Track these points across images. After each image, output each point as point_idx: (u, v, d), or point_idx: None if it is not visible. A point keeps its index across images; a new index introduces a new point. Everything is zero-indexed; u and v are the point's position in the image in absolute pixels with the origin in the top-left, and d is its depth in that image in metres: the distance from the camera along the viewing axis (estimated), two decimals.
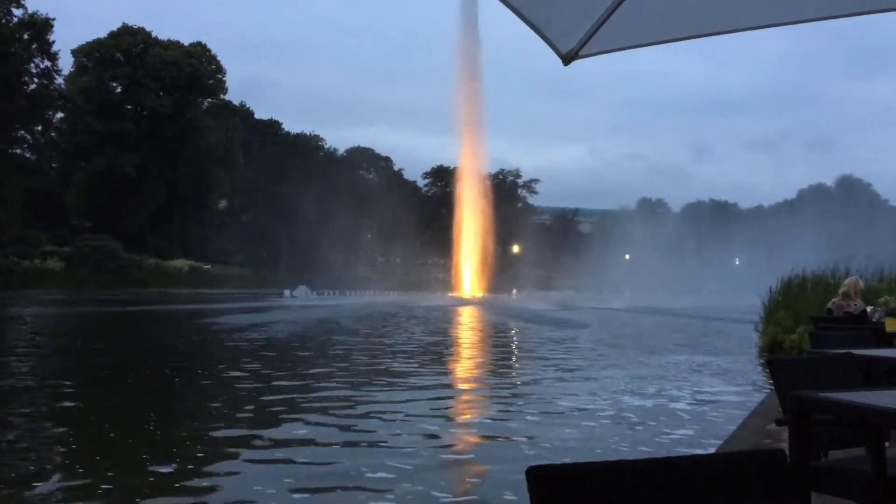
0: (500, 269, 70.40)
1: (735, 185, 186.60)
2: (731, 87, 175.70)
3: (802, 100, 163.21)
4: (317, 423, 7.89)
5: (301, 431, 7.53)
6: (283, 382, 11.01)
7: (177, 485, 5.63)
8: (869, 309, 8.21)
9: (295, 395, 9.76)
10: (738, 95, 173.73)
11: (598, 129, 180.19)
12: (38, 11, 57.90)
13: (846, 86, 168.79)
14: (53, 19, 58.70)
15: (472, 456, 6.82)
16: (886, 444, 2.99)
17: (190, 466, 6.14)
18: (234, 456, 6.55)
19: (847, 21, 2.41)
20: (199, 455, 6.60)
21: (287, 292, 51.28)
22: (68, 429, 7.79)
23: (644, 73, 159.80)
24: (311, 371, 12.47)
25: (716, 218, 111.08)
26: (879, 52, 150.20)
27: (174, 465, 6.11)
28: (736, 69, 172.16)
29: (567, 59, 2.53)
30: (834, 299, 8.74)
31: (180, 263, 69.44)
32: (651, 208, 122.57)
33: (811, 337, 5.81)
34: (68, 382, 11.66)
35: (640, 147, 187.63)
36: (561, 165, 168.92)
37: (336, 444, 6.98)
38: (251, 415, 8.51)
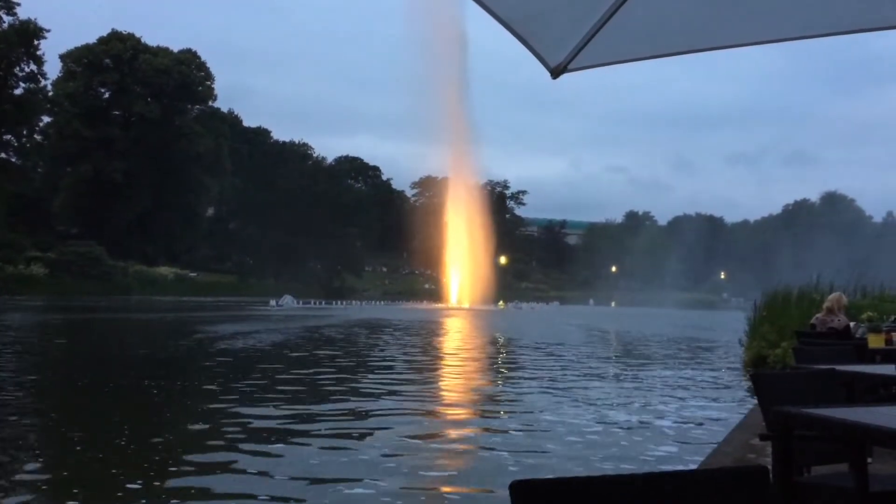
0: (488, 280, 70.33)
1: (719, 199, 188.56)
2: (714, 102, 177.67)
3: (785, 115, 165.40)
4: (295, 439, 7.74)
5: (278, 446, 7.39)
6: (263, 395, 10.79)
7: (144, 502, 5.50)
8: (852, 325, 8.26)
9: (273, 409, 9.58)
10: (721, 110, 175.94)
11: (581, 142, 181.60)
12: (31, 18, 57.80)
13: (828, 102, 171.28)
14: (48, 30, 58.62)
15: (454, 472, 6.72)
16: (869, 459, 3.00)
17: (157, 483, 5.97)
18: (209, 472, 6.39)
19: (829, 38, 2.44)
20: (170, 471, 6.42)
21: (272, 301, 51.03)
22: (35, 442, 7.59)
23: (627, 85, 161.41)
24: (291, 385, 12.22)
25: (702, 232, 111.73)
26: (861, 69, 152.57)
27: (142, 482, 5.93)
28: (719, 84, 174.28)
29: (556, 72, 2.54)
30: (818, 314, 8.79)
31: (165, 271, 69.04)
32: (638, 221, 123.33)
33: (795, 351, 5.84)
34: (40, 393, 11.43)
35: (623, 160, 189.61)
36: (544, 177, 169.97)
37: (314, 459, 6.85)
38: (228, 429, 8.31)
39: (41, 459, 6.96)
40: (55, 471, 6.52)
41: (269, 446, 7.45)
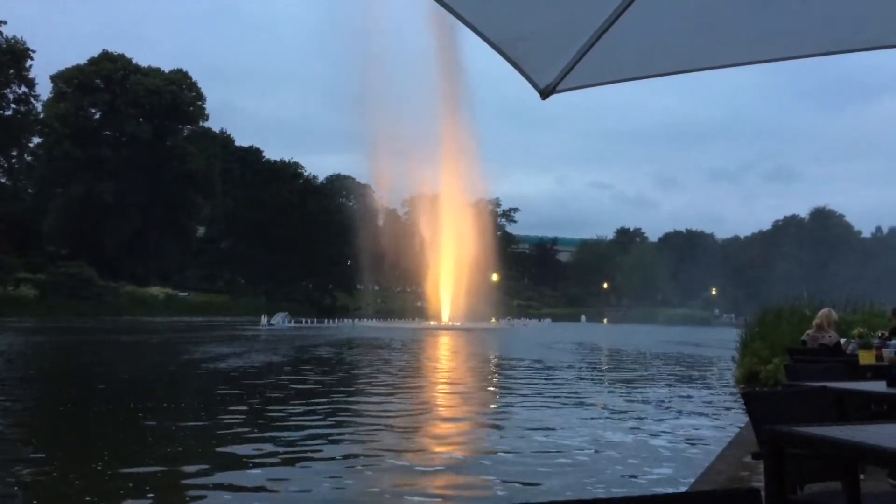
0: (480, 298, 70.29)
1: (708, 215, 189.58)
2: (700, 119, 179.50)
3: (770, 132, 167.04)
4: (278, 465, 7.58)
5: (257, 472, 7.23)
6: (251, 423, 10.52)
7: None
8: (843, 341, 8.27)
9: (260, 434, 9.41)
10: (706, 127, 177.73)
11: (571, 159, 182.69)
12: (16, 36, 57.79)
13: (813, 118, 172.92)
14: (34, 51, 58.59)
15: (438, 499, 6.57)
16: (861, 476, 3.00)
17: None
18: (187, 502, 6.28)
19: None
20: (148, 497, 6.29)
21: (264, 320, 50.80)
22: (12, 466, 7.43)
23: (615, 103, 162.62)
24: (278, 408, 11.96)
25: (693, 248, 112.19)
26: (845, 85, 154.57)
27: None
28: (704, 101, 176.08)
29: (545, 93, 2.56)
30: (808, 331, 8.81)
31: (157, 291, 68.61)
32: (629, 238, 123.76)
33: (786, 369, 5.85)
34: (23, 417, 11.27)
35: (614, 177, 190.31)
36: (535, 195, 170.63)
37: (301, 485, 6.72)
38: (211, 455, 8.15)
39: (14, 487, 6.74)
40: (28, 497, 6.37)
41: (252, 470, 7.30)
